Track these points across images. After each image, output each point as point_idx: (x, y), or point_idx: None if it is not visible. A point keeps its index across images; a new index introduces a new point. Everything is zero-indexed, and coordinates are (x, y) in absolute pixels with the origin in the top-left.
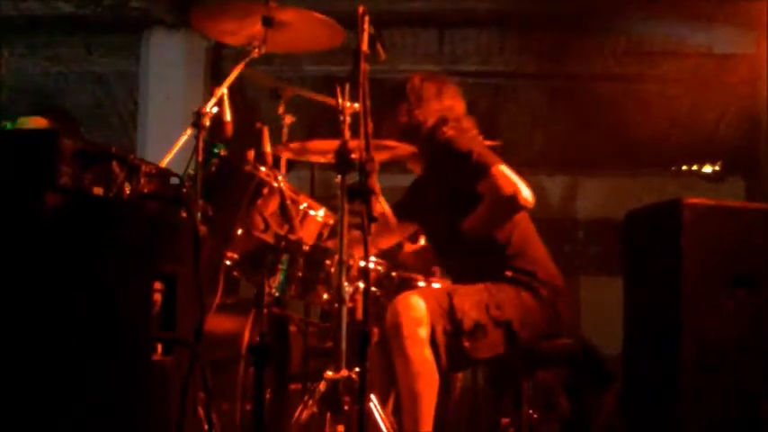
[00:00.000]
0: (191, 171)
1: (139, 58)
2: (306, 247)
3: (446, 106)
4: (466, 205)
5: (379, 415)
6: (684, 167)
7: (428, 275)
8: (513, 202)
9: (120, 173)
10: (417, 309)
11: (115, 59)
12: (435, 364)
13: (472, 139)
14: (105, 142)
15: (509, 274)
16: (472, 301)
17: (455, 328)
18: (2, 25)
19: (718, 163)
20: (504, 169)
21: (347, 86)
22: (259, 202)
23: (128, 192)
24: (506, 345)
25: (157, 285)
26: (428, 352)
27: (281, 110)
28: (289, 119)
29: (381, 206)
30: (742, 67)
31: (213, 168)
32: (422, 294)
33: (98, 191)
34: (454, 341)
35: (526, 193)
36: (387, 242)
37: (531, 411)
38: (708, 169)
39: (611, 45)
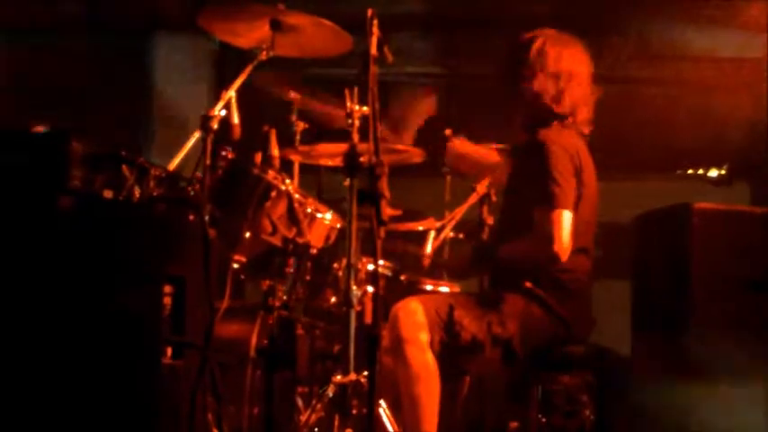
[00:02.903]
0: (198, 174)
1: (145, 60)
2: (313, 251)
3: (565, 71)
4: (522, 211)
5: (388, 419)
6: (690, 171)
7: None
8: (548, 251)
9: (130, 176)
10: (417, 314)
11: (120, 62)
12: (437, 369)
13: (564, 154)
14: (112, 145)
15: (528, 285)
16: (474, 315)
17: (451, 341)
18: (5, 28)
19: (724, 167)
20: (565, 216)
21: (356, 90)
22: (267, 204)
23: (137, 195)
24: (503, 362)
25: (167, 288)
26: (429, 357)
27: (293, 117)
28: (301, 125)
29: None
30: (748, 70)
31: (221, 172)
32: (422, 301)
33: (108, 194)
34: (448, 353)
35: (561, 249)
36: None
37: (539, 416)
38: (713, 173)
39: (616, 49)
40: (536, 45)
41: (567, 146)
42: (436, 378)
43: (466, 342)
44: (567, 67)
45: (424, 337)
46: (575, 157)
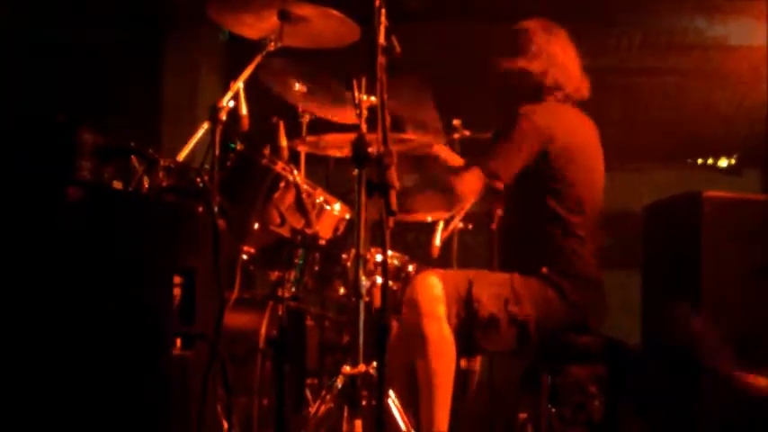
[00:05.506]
0: (207, 165)
1: (156, 53)
2: (322, 241)
3: (552, 53)
4: (523, 195)
5: (397, 410)
6: (700, 160)
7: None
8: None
9: (140, 167)
10: (435, 287)
11: (131, 54)
12: (453, 343)
13: (531, 129)
14: (124, 137)
15: (544, 271)
16: (492, 292)
17: (468, 317)
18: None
19: (735, 155)
20: (473, 173)
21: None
22: (275, 196)
23: (147, 186)
24: (517, 343)
25: (177, 279)
26: (447, 330)
27: (300, 108)
28: (308, 116)
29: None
30: (757, 58)
31: (229, 163)
32: (440, 275)
33: (117, 185)
34: (465, 328)
35: (463, 194)
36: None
37: (549, 406)
38: (724, 162)
39: (627, 38)
40: (528, 31)
41: (542, 123)
42: (453, 352)
43: (483, 319)
44: (553, 51)
45: (442, 309)
46: (544, 135)
